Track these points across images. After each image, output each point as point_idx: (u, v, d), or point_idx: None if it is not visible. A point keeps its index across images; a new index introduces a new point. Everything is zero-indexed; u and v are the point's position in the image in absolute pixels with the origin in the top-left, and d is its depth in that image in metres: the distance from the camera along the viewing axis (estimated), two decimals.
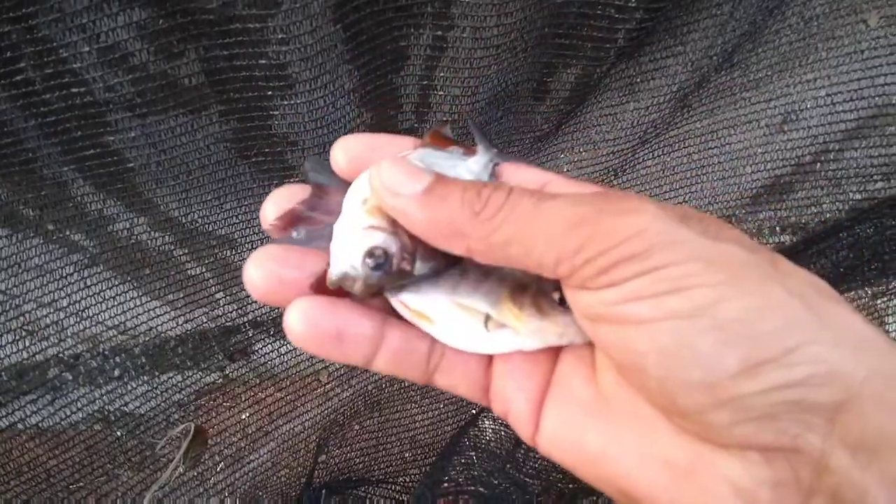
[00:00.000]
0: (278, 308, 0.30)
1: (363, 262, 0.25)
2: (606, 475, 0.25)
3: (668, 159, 0.69)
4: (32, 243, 0.54)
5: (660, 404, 0.23)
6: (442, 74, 0.50)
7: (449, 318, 0.27)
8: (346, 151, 0.28)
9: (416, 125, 0.58)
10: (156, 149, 0.49)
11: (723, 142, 0.66)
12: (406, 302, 0.27)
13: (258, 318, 0.69)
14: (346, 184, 0.29)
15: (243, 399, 0.65)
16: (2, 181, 0.51)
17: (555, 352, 0.28)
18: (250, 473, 0.63)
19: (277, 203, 0.28)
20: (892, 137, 0.57)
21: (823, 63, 0.55)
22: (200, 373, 0.66)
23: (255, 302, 0.66)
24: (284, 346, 0.69)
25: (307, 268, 0.26)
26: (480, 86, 0.49)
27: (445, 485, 0.58)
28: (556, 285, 0.26)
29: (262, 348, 0.70)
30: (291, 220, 0.28)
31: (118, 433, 0.57)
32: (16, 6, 0.39)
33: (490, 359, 0.28)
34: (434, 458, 0.62)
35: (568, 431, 0.26)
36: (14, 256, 0.52)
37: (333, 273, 0.26)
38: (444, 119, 0.30)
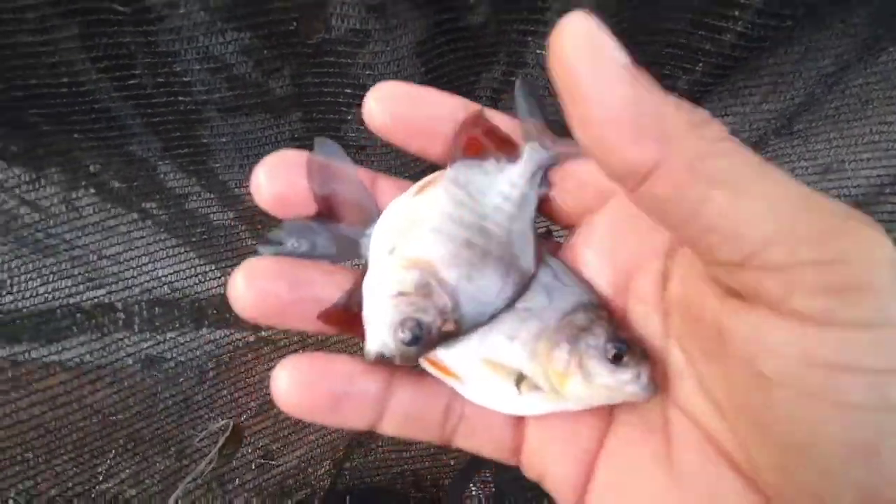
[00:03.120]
0: None
1: (395, 337, 0.22)
2: None
3: None
4: (118, 210, 0.57)
5: (786, 496, 0.19)
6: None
7: (478, 376, 0.23)
8: (384, 102, 0.24)
9: None
10: (242, 139, 0.53)
11: None
12: (429, 356, 0.24)
13: None
14: (357, 175, 0.25)
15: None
16: (96, 156, 0.54)
17: (606, 408, 0.24)
18: (278, 476, 0.65)
19: (271, 172, 0.24)
20: None
21: (876, 146, 0.56)
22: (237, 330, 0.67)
23: None
24: None
25: (307, 286, 0.23)
26: None
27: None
28: (609, 335, 0.22)
29: None
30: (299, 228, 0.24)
31: (159, 376, 0.60)
32: (139, 22, 0.43)
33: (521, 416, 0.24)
34: (457, 472, 0.63)
35: None
36: (101, 223, 0.55)
37: (368, 351, 0.23)
38: (477, 112, 0.25)
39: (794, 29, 0.49)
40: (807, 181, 0.60)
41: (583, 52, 0.16)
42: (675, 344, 0.22)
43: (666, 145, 0.17)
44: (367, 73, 0.47)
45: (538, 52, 0.47)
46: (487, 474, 0.62)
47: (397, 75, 0.47)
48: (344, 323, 0.23)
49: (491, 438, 0.24)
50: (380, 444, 0.68)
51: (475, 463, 0.61)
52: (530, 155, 0.25)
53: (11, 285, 0.49)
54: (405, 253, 0.24)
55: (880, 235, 0.17)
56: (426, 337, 0.22)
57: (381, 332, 0.23)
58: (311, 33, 0.43)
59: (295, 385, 0.22)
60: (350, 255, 0.25)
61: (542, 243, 0.25)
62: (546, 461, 0.24)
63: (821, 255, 0.16)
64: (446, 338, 0.23)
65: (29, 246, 0.49)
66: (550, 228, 0.28)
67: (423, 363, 0.24)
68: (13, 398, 0.53)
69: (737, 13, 0.42)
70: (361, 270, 0.24)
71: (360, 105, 0.50)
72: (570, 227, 0.26)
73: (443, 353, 0.24)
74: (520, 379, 0.23)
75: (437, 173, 0.25)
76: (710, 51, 0.46)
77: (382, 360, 0.23)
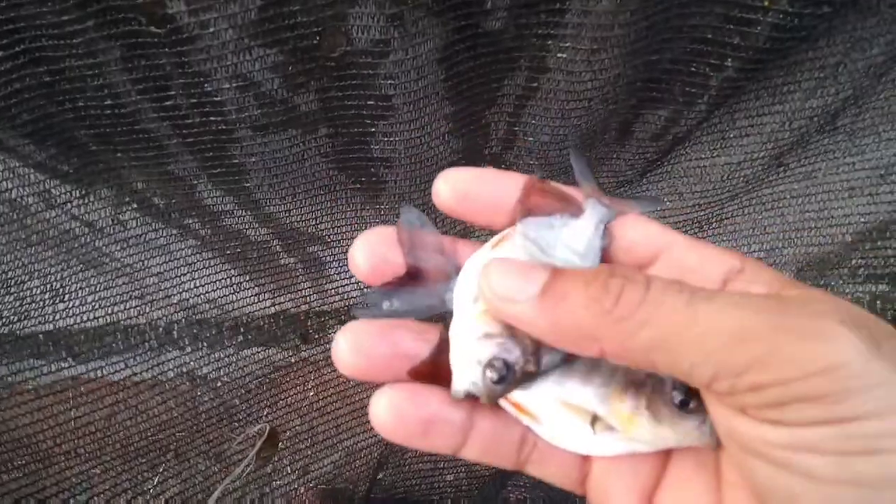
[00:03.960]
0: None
1: (483, 376, 0.24)
2: None
3: (760, 218, 0.67)
4: (157, 225, 0.60)
5: None
6: (533, 122, 0.53)
7: (554, 417, 0.25)
8: (451, 185, 0.27)
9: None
10: (271, 157, 0.55)
11: (821, 206, 0.63)
12: (509, 396, 0.25)
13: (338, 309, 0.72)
14: (440, 240, 0.28)
15: (312, 401, 0.69)
16: (138, 174, 0.58)
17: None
18: (313, 481, 0.66)
19: (367, 248, 0.27)
20: None
21: None
22: (279, 350, 0.70)
23: (335, 294, 0.70)
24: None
25: (401, 344, 0.25)
26: (570, 135, 0.51)
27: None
28: (675, 382, 0.24)
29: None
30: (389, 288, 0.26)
31: (202, 393, 0.63)
32: (173, 43, 0.46)
33: None
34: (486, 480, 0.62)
35: None
36: (142, 236, 0.58)
37: (456, 390, 0.25)
38: (541, 177, 0.28)
39: (835, 18, 0.47)
40: (854, 178, 0.57)
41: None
42: None
43: (595, 342, 0.21)
44: (390, 83, 0.47)
45: (559, 55, 0.46)
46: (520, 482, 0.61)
47: (418, 83, 0.47)
48: (430, 377, 0.25)
49: (560, 469, 0.26)
50: (414, 455, 0.68)
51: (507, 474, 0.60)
52: (592, 210, 0.27)
53: (64, 294, 0.53)
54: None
55: (813, 343, 0.18)
56: (511, 376, 0.24)
57: (469, 372, 0.25)
58: (334, 46, 0.45)
59: (392, 412, 0.24)
60: (436, 310, 0.27)
61: None
62: (609, 495, 0.25)
63: (757, 382, 0.18)
64: (527, 378, 0.25)
65: (78, 258, 0.53)
66: None
67: (503, 402, 0.26)
68: (74, 406, 0.56)
69: (766, 3, 0.41)
70: (445, 325, 0.27)
71: (384, 118, 0.52)
72: None
73: (520, 394, 0.25)
74: (594, 420, 0.25)
75: (508, 229, 0.27)
76: (741, 45, 0.44)
77: (468, 398, 0.25)
